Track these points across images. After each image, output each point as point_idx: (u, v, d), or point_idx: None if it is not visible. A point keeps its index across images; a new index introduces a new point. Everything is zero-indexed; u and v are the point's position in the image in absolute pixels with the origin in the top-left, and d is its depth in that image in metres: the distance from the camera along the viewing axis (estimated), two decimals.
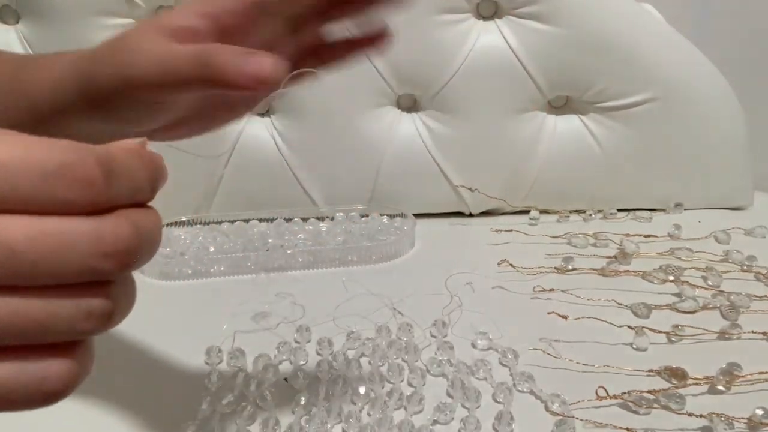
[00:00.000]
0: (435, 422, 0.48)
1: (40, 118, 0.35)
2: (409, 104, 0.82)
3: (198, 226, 0.81)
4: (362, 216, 0.81)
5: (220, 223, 0.81)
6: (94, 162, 0.18)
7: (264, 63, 0.29)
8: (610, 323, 0.58)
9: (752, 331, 0.57)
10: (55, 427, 0.45)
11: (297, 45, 0.37)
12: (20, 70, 0.36)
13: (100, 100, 0.32)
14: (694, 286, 0.65)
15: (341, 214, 0.81)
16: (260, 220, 0.81)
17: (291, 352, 0.56)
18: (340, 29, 0.38)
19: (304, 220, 0.81)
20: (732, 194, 0.85)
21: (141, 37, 0.31)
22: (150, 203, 0.21)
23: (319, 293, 0.66)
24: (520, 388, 0.51)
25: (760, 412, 0.47)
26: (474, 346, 0.57)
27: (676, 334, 0.57)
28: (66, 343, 0.20)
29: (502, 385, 0.51)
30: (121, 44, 0.32)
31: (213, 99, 0.36)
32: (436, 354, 0.56)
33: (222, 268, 0.70)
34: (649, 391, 0.49)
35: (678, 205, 0.83)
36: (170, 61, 0.30)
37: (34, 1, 0.77)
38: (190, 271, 0.69)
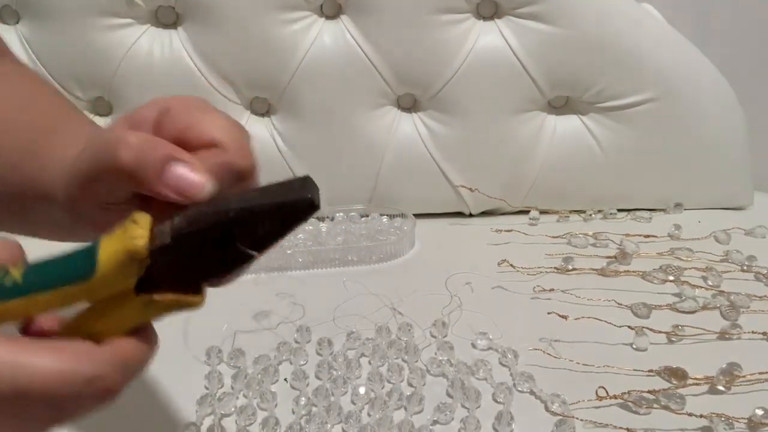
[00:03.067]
0: (435, 422, 0.48)
1: (20, 206, 0.34)
2: (409, 104, 0.82)
3: None
4: (362, 216, 0.81)
5: None
6: (116, 373, 0.26)
7: (186, 179, 0.27)
8: (610, 323, 0.58)
9: (752, 331, 0.57)
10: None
11: None
12: (13, 156, 0.35)
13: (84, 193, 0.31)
14: (694, 286, 0.65)
15: (341, 214, 0.81)
16: None
17: (291, 352, 0.56)
18: None
19: None
20: (732, 194, 0.85)
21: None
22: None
23: (319, 293, 0.66)
24: (520, 388, 0.51)
25: (760, 412, 0.47)
26: (474, 346, 0.57)
27: (676, 334, 0.57)
28: None
29: (502, 385, 0.51)
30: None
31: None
32: (436, 354, 0.56)
33: None
34: (649, 391, 0.49)
35: (678, 205, 0.83)
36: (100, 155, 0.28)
37: (34, 1, 0.77)
38: None
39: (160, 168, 0.27)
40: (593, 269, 0.69)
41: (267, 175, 0.31)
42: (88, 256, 0.26)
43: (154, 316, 0.28)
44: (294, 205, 0.26)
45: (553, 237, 0.77)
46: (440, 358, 0.55)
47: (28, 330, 0.29)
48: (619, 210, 0.83)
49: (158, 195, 0.27)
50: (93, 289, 0.26)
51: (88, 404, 0.26)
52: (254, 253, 0.26)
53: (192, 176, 0.27)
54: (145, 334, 0.28)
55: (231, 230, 0.26)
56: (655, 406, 0.48)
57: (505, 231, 0.78)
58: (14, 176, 0.35)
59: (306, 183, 0.26)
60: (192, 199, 0.27)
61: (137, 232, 0.25)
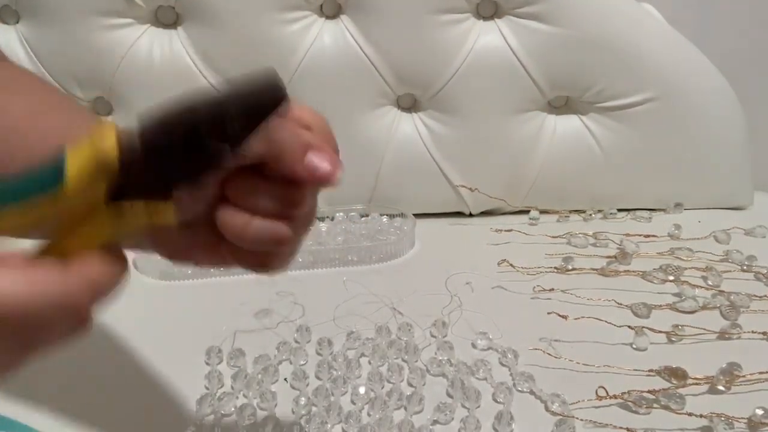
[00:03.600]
0: (435, 422, 0.48)
1: None
2: (409, 104, 0.82)
3: None
4: (362, 216, 0.81)
5: None
6: (86, 291, 0.25)
7: (325, 161, 0.29)
8: (610, 323, 0.58)
9: (752, 331, 0.57)
10: (55, 428, 0.45)
11: None
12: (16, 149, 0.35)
13: None
14: (694, 286, 0.65)
15: (341, 214, 0.81)
16: None
17: (291, 352, 0.56)
18: None
19: None
20: (732, 194, 0.85)
21: None
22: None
23: (319, 293, 0.66)
24: (520, 388, 0.51)
25: (760, 412, 0.47)
26: (474, 346, 0.57)
27: (676, 334, 0.57)
28: None
29: (502, 385, 0.51)
30: None
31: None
32: (436, 354, 0.56)
33: (222, 268, 0.70)
34: (649, 391, 0.49)
35: (678, 205, 0.83)
36: None
37: (34, 1, 0.77)
38: (190, 271, 0.69)
39: (301, 152, 0.28)
40: (593, 269, 0.69)
41: None
42: (56, 166, 0.25)
43: (126, 228, 0.26)
44: (262, 96, 0.25)
45: (553, 237, 0.77)
46: (440, 358, 0.55)
47: None
48: (619, 210, 0.83)
49: (292, 175, 0.29)
50: (61, 201, 0.25)
51: (59, 328, 0.25)
52: (225, 146, 0.25)
53: (329, 165, 0.29)
54: (114, 253, 0.27)
55: (200, 127, 0.25)
56: (655, 406, 0.48)
57: (505, 231, 0.78)
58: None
59: (271, 74, 0.26)
60: (323, 186, 0.29)
61: (105, 138, 0.25)
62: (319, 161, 0.29)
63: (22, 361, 0.25)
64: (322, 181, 0.29)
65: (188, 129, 0.25)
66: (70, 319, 0.25)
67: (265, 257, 0.31)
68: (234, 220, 0.29)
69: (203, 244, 0.32)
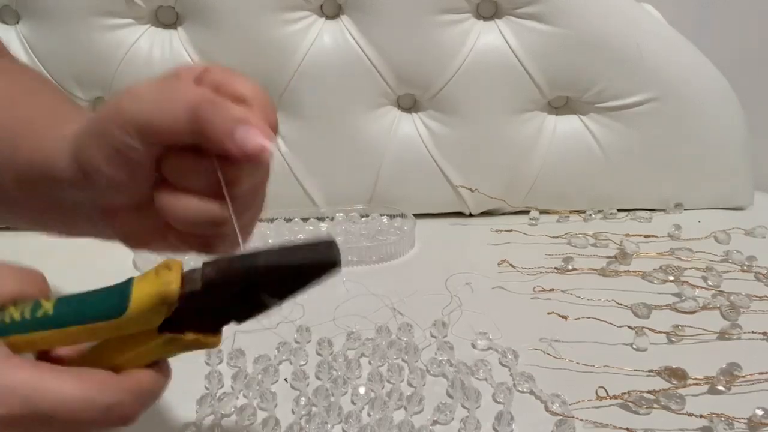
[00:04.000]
0: (435, 422, 0.48)
1: (29, 185, 0.34)
2: (409, 104, 0.82)
3: None
4: (362, 216, 0.81)
5: None
6: (134, 402, 0.28)
7: (256, 137, 0.27)
8: (610, 323, 0.58)
9: (752, 331, 0.57)
10: None
11: None
12: (16, 137, 0.34)
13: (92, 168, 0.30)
14: (694, 286, 0.65)
15: (341, 214, 0.81)
16: (260, 220, 0.81)
17: (291, 352, 0.56)
18: None
19: (304, 220, 0.81)
20: (732, 194, 0.85)
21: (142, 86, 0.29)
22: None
23: (319, 293, 0.66)
24: (520, 388, 0.51)
25: (760, 412, 0.47)
26: (474, 346, 0.57)
27: (676, 334, 0.57)
28: None
29: (502, 385, 0.51)
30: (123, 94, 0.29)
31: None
32: (436, 354, 0.56)
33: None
34: (649, 391, 0.49)
35: (678, 205, 0.83)
36: (167, 103, 0.27)
37: (34, 1, 0.77)
38: None
39: (231, 127, 0.27)
40: (593, 269, 0.69)
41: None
42: (121, 294, 0.27)
43: (173, 353, 0.29)
44: (319, 265, 0.27)
45: (553, 237, 0.77)
46: (440, 358, 0.55)
47: (45, 356, 0.29)
48: (619, 210, 0.83)
49: (222, 152, 0.27)
50: (122, 326, 0.27)
51: (103, 429, 0.28)
52: (276, 303, 0.28)
53: (261, 140, 0.27)
54: (161, 365, 0.30)
55: (257, 283, 0.27)
56: (655, 406, 0.48)
57: (505, 231, 0.78)
58: (18, 156, 0.34)
59: (330, 245, 0.28)
60: (255, 162, 0.27)
61: (171, 277, 0.27)
62: (249, 136, 0.27)
63: None
64: (253, 157, 0.27)
65: (247, 284, 0.27)
66: (116, 425, 0.28)
67: (207, 239, 0.31)
68: (169, 201, 0.29)
69: (153, 229, 0.31)
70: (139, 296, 0.27)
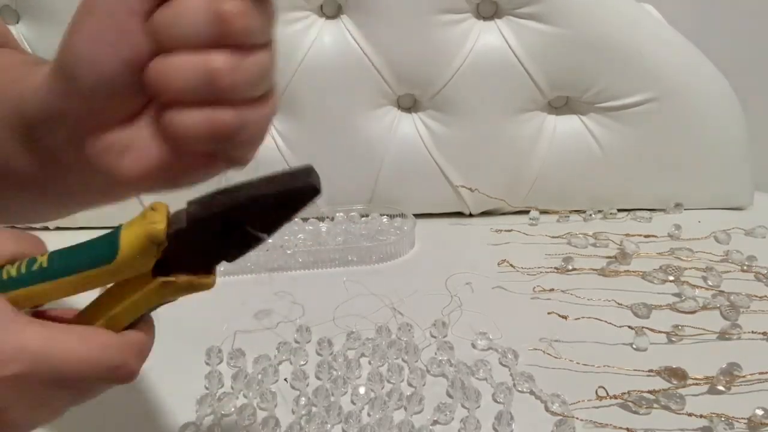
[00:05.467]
0: (435, 422, 0.48)
1: (30, 127, 0.33)
2: (409, 104, 0.82)
3: None
4: (362, 216, 0.81)
5: None
6: (135, 362, 0.29)
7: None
8: (610, 323, 0.58)
9: (752, 331, 0.57)
10: (56, 428, 0.45)
11: None
12: (13, 81, 0.33)
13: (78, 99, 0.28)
14: (694, 286, 0.65)
15: (341, 214, 0.81)
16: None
17: (291, 352, 0.56)
18: None
19: (304, 220, 0.81)
20: (732, 194, 0.85)
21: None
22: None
23: (319, 293, 0.66)
24: (520, 388, 0.51)
25: (760, 412, 0.47)
26: (474, 346, 0.57)
27: (676, 334, 0.57)
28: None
29: (502, 385, 0.51)
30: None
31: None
32: (436, 354, 0.56)
33: (222, 268, 0.70)
34: (649, 391, 0.49)
35: (678, 205, 0.83)
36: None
37: (34, 1, 0.77)
38: None
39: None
40: (593, 269, 0.69)
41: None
42: (111, 240, 0.28)
43: (169, 297, 0.30)
44: (300, 191, 0.28)
45: (553, 237, 0.77)
46: (440, 358, 0.55)
47: (42, 314, 0.30)
48: (619, 210, 0.83)
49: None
50: (115, 272, 0.28)
51: (106, 388, 0.29)
52: (263, 235, 0.28)
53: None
54: (147, 324, 0.31)
55: (242, 215, 0.28)
56: (655, 406, 0.48)
57: (505, 231, 0.78)
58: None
59: (309, 172, 0.28)
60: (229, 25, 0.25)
61: (156, 217, 0.27)
62: None
63: (69, 408, 0.29)
64: None
65: (231, 216, 0.28)
66: (119, 383, 0.29)
67: (209, 159, 0.29)
68: (180, 117, 0.27)
69: (146, 157, 0.29)
70: (128, 239, 0.27)
